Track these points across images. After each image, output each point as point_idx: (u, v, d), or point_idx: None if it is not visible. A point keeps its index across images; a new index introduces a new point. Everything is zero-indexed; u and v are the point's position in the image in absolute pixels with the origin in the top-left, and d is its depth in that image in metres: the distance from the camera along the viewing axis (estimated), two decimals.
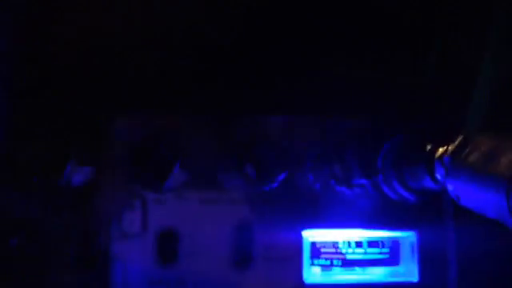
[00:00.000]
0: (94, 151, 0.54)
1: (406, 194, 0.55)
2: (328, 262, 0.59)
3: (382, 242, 0.60)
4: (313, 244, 0.59)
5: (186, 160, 0.54)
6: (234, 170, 0.56)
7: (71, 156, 0.52)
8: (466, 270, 0.60)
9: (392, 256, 0.60)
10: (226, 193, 0.58)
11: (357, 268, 0.60)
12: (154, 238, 0.57)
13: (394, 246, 0.60)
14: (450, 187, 0.47)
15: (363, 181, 0.55)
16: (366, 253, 0.60)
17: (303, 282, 0.58)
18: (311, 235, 0.59)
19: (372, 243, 0.60)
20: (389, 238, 0.60)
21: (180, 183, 0.55)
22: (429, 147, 0.51)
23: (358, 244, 0.60)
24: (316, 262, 0.59)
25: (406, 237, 0.60)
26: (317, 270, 0.59)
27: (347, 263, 0.60)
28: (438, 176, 0.50)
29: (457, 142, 0.47)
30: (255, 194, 0.58)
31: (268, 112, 0.57)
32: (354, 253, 0.60)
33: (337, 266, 0.60)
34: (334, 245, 0.60)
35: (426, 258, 0.60)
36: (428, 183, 0.52)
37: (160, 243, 0.56)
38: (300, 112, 0.58)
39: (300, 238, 0.58)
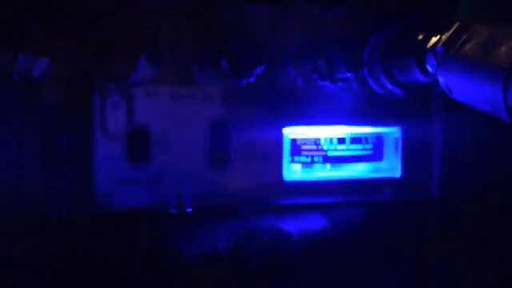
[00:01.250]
0: (50, 40, 0.50)
1: (392, 87, 0.55)
2: (309, 159, 0.58)
3: (366, 138, 0.58)
4: (293, 141, 0.57)
5: (155, 52, 0.51)
6: (208, 63, 0.53)
7: (24, 45, 0.47)
8: (450, 166, 0.58)
9: (375, 152, 0.59)
10: (201, 88, 0.55)
11: (338, 164, 0.58)
12: (124, 136, 0.54)
13: (378, 142, 0.59)
14: (441, 79, 0.46)
15: (348, 75, 0.53)
16: (348, 149, 0.58)
17: (283, 179, 0.57)
18: (292, 132, 0.57)
19: (355, 139, 0.58)
20: (372, 133, 0.58)
21: (149, 77, 0.52)
22: (420, 37, 0.50)
23: (341, 140, 0.58)
24: (296, 159, 0.58)
25: (390, 132, 0.59)
26: (297, 167, 0.58)
27: (329, 160, 0.58)
28: (429, 67, 0.49)
29: (452, 30, 0.47)
30: (232, 89, 0.55)
31: (248, 2, 0.53)
32: (335, 149, 0.58)
33: (318, 162, 0.58)
34: (316, 141, 0.58)
35: (411, 154, 0.59)
36: (417, 76, 0.51)
37: (130, 142, 0.54)
38: (283, 1, 0.55)
39: (280, 135, 0.56)
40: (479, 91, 0.42)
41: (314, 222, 0.56)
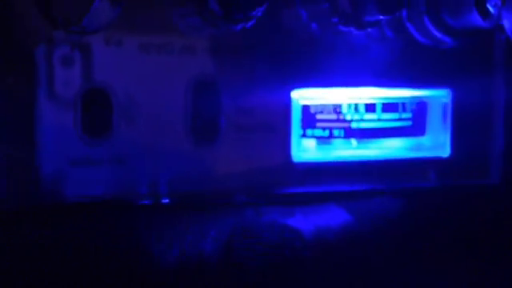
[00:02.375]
0: None
1: (441, 35, 0.50)
2: (326, 133, 0.51)
3: (403, 104, 0.52)
4: (305, 108, 0.50)
5: None
6: (191, 1, 0.45)
7: None
8: None
9: (416, 123, 0.52)
10: (181, 36, 0.47)
11: (366, 140, 0.51)
12: (77, 101, 0.46)
13: (419, 110, 0.52)
14: (506, 22, 0.44)
15: (379, 17, 0.47)
16: (379, 119, 0.51)
17: (291, 160, 0.49)
18: (303, 96, 0.50)
19: (388, 106, 0.52)
20: (412, 98, 0.52)
21: (109, 21, 0.45)
22: None
23: (369, 107, 0.51)
24: (310, 132, 0.50)
25: (435, 96, 0.52)
26: (311, 143, 0.51)
27: (353, 134, 0.51)
28: (491, 7, 0.47)
29: None
30: (223, 37, 0.48)
31: None
32: (362, 120, 0.51)
33: (338, 137, 0.51)
34: (335, 109, 0.51)
35: (463, 126, 0.53)
36: (475, 18, 0.47)
37: (85, 108, 0.46)
38: None
39: (288, 100, 0.49)
40: None
41: (333, 217, 0.49)
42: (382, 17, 0.46)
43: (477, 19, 0.46)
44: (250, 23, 0.45)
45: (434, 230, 0.49)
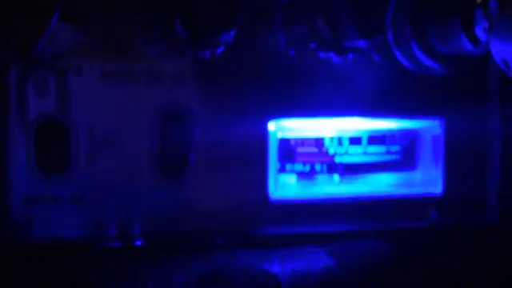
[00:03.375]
0: None
1: (429, 62, 0.48)
2: (307, 168, 0.49)
3: (391, 136, 0.51)
4: (284, 141, 0.49)
5: (77, 7, 0.43)
6: (156, 25, 0.44)
7: None
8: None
9: (405, 157, 0.51)
10: (146, 64, 0.46)
11: (351, 176, 0.50)
12: (32, 134, 0.44)
13: (409, 143, 0.51)
14: (495, 49, 0.42)
15: (360, 42, 0.46)
16: (365, 153, 0.50)
17: (268, 197, 0.48)
18: (282, 128, 0.49)
19: (375, 139, 0.51)
20: (401, 129, 0.51)
21: (68, 46, 0.43)
22: None
23: (355, 140, 0.50)
24: (289, 167, 0.49)
25: (426, 128, 0.51)
26: (290, 179, 0.49)
27: (337, 169, 0.50)
28: (479, 32, 0.46)
29: None
30: (192, 65, 0.46)
31: None
32: (346, 153, 0.50)
33: (321, 173, 0.50)
34: (318, 142, 0.50)
35: (456, 161, 0.51)
36: (464, 44, 0.46)
37: (41, 142, 0.45)
38: None
39: (264, 132, 0.48)
40: None
41: (314, 261, 0.47)
42: (362, 42, 0.45)
43: (466, 45, 0.45)
44: (219, 49, 0.44)
45: (426, 276, 0.48)
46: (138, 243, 0.46)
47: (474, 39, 0.44)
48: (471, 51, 0.45)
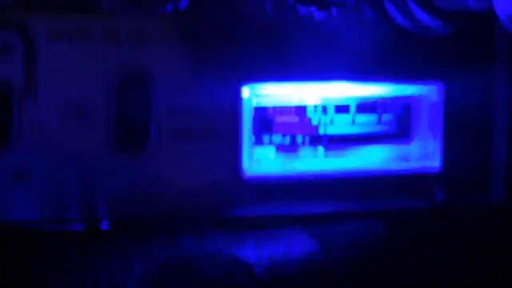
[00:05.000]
0: None
1: (426, 18, 0.47)
2: (287, 140, 0.47)
3: (384, 104, 0.49)
4: (260, 109, 0.47)
5: None
6: None
7: None
8: None
9: (400, 128, 0.49)
10: (100, 20, 0.43)
11: (337, 149, 0.48)
12: None
13: (404, 111, 0.49)
14: (499, 4, 0.41)
15: None
16: (354, 123, 0.48)
17: (242, 174, 0.46)
18: (257, 94, 0.46)
19: (365, 107, 0.48)
20: (394, 96, 0.49)
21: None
22: None
23: (341, 108, 0.48)
24: (267, 139, 0.47)
25: (423, 94, 0.49)
26: (267, 152, 0.47)
27: (321, 141, 0.48)
28: None
29: None
30: (153, 20, 0.44)
31: None
32: (333, 124, 0.48)
33: (303, 145, 0.47)
34: (298, 110, 0.47)
35: (456, 132, 0.49)
36: None
37: None
38: None
39: (237, 98, 0.46)
40: None
41: (293, 246, 0.45)
42: None
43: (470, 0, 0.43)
44: (183, 3, 0.41)
45: (420, 263, 0.46)
46: (92, 226, 0.44)
47: None
48: (472, 6, 0.43)
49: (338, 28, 0.46)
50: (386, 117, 0.48)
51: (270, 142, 0.46)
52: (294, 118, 0.47)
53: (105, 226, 0.43)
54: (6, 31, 0.42)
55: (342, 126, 0.47)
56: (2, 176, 0.42)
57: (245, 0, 0.44)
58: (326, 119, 0.47)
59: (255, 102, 0.46)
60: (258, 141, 0.46)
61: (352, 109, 0.48)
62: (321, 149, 0.47)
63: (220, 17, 0.44)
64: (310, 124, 0.47)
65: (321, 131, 0.47)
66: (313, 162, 0.47)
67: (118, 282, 0.41)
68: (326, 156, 0.47)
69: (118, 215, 0.44)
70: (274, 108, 0.46)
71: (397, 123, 0.49)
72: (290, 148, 0.47)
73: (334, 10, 0.44)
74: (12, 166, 0.42)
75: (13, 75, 0.42)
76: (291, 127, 0.47)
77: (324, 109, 0.47)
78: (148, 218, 0.44)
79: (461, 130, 0.49)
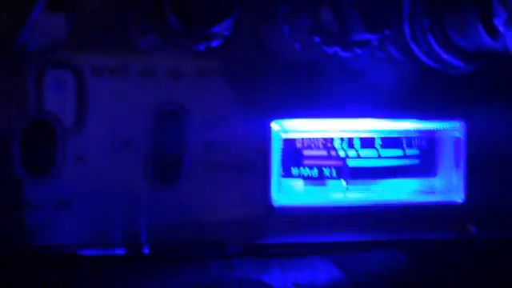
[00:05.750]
0: None
1: (449, 57, 0.48)
2: (315, 173, 0.49)
3: (409, 138, 0.51)
4: (289, 142, 0.49)
5: None
6: (149, 15, 0.44)
7: None
8: None
9: (424, 162, 0.51)
10: (139, 58, 0.46)
11: (363, 182, 0.50)
12: (15, 132, 0.45)
13: (428, 146, 0.51)
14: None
15: (369, 36, 0.45)
16: (380, 157, 0.50)
17: (271, 204, 0.48)
18: (286, 128, 0.48)
19: (390, 141, 0.50)
20: (419, 132, 0.51)
21: (55, 40, 0.44)
22: None
23: (367, 142, 0.50)
24: (295, 171, 0.49)
25: (446, 130, 0.51)
26: (296, 184, 0.49)
27: (348, 174, 0.50)
28: (499, 24, 0.45)
29: None
30: (188, 59, 0.47)
31: None
32: (359, 157, 0.50)
33: (330, 178, 0.49)
34: (327, 144, 0.49)
35: (479, 166, 0.51)
36: (481, 36, 0.45)
37: (24, 141, 0.45)
38: None
39: (267, 132, 0.48)
40: None
41: (318, 274, 0.47)
42: (369, 36, 0.44)
43: (484, 37, 0.44)
44: (216, 42, 0.44)
45: None
46: (128, 253, 0.46)
47: (492, 31, 0.44)
48: (490, 44, 0.44)
49: (364, 67, 0.48)
50: (410, 151, 0.50)
51: (299, 175, 0.49)
52: (322, 152, 0.49)
53: (146, 250, 0.46)
54: (51, 69, 0.45)
55: (367, 160, 0.49)
56: (45, 201, 0.45)
57: (275, 40, 0.47)
58: (352, 153, 0.49)
59: (284, 136, 0.48)
60: (287, 173, 0.48)
61: (377, 143, 0.49)
62: (345, 182, 0.49)
63: (252, 56, 0.47)
64: (338, 157, 0.49)
65: (348, 164, 0.49)
66: (339, 193, 0.49)
67: None
68: (351, 189, 0.49)
69: (155, 242, 0.46)
70: (302, 141, 0.48)
71: (421, 157, 0.50)
72: (317, 180, 0.49)
73: (358, 50, 0.46)
74: (54, 192, 0.45)
75: (58, 109, 0.44)
76: (319, 160, 0.49)
77: (350, 142, 0.49)
78: (180, 246, 0.47)
79: (483, 164, 0.50)
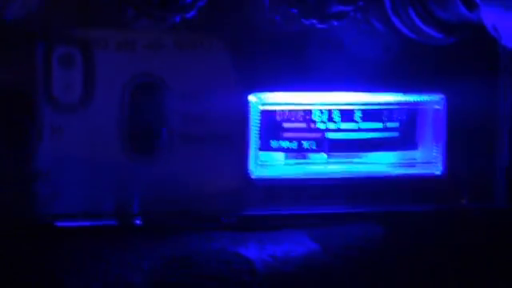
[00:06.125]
0: None
1: (429, 29, 0.48)
2: (294, 145, 0.49)
3: (389, 111, 0.50)
4: (267, 114, 0.49)
5: None
6: None
7: None
8: None
9: (404, 135, 0.51)
10: (116, 31, 0.46)
11: (342, 154, 0.50)
12: None
13: (408, 119, 0.51)
14: (485, 15, 0.42)
15: (343, 7, 0.46)
16: (359, 129, 0.50)
17: (249, 176, 0.48)
18: (265, 100, 0.48)
19: (370, 114, 0.50)
20: (399, 104, 0.50)
21: (29, 11, 0.44)
22: None
23: (347, 115, 0.50)
24: (274, 144, 0.49)
25: (427, 102, 0.50)
26: (275, 157, 0.49)
27: (327, 146, 0.50)
28: None
29: None
30: (164, 30, 0.47)
31: None
32: (339, 130, 0.50)
33: (309, 150, 0.49)
34: (306, 116, 0.49)
35: (459, 139, 0.51)
36: (459, 9, 0.46)
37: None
38: None
39: (245, 105, 0.48)
40: None
41: (296, 246, 0.47)
42: (344, 7, 0.44)
43: (460, 8, 0.44)
44: (190, 13, 0.44)
45: (420, 264, 0.47)
46: (104, 223, 0.46)
47: (469, 3, 0.44)
48: (468, 16, 0.44)
49: (343, 39, 0.48)
50: (391, 124, 0.50)
51: (279, 147, 0.49)
52: (301, 125, 0.49)
53: (115, 222, 0.46)
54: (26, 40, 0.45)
55: (347, 132, 0.49)
56: (27, 174, 0.45)
57: (254, 12, 0.47)
58: (332, 125, 0.49)
59: (262, 107, 0.48)
60: (267, 145, 0.48)
61: (357, 115, 0.49)
62: (324, 155, 0.49)
63: (229, 27, 0.47)
64: (317, 129, 0.49)
65: (327, 136, 0.49)
66: (318, 166, 0.49)
67: (127, 276, 0.44)
68: (330, 161, 0.49)
69: (127, 214, 0.46)
70: (282, 113, 0.48)
71: (401, 130, 0.50)
72: (296, 152, 0.49)
73: (335, 22, 0.46)
74: (35, 165, 0.45)
75: (34, 81, 0.44)
76: (298, 132, 0.49)
77: (330, 115, 0.49)
78: (157, 217, 0.47)
79: (463, 136, 0.50)
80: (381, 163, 0.49)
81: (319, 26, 0.46)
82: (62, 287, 0.43)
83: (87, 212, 0.46)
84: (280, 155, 0.49)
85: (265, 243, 0.46)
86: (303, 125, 0.48)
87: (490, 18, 0.41)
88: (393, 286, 0.46)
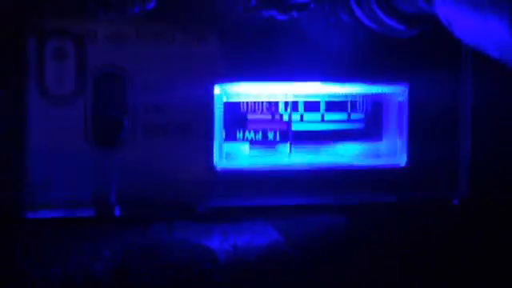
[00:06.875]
0: None
1: (391, 22, 0.48)
2: (259, 137, 0.50)
3: (353, 102, 0.51)
4: (232, 106, 0.50)
5: None
6: None
7: None
8: (488, 151, 0.52)
9: (368, 126, 0.52)
10: (77, 22, 0.46)
11: (306, 146, 0.51)
12: None
13: (373, 110, 0.52)
14: (439, 9, 0.42)
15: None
16: (324, 120, 0.51)
17: (213, 167, 0.49)
18: (229, 91, 0.49)
19: (335, 105, 0.51)
20: (364, 96, 0.51)
21: None
22: None
23: (311, 106, 0.51)
24: (239, 135, 0.50)
25: (391, 94, 0.51)
26: (239, 148, 0.50)
27: (291, 138, 0.51)
28: None
29: None
30: (128, 22, 0.47)
31: None
32: (303, 121, 0.50)
33: (274, 142, 0.50)
34: (270, 107, 0.50)
35: (422, 130, 0.52)
36: (418, 2, 0.45)
37: None
38: None
39: (210, 96, 0.49)
40: (481, 25, 0.37)
41: (258, 236, 0.48)
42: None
43: (420, 3, 0.44)
44: (150, 4, 0.44)
45: (383, 256, 0.48)
46: (61, 214, 0.47)
47: None
48: (426, 9, 0.44)
49: (308, 30, 0.49)
50: (355, 115, 0.51)
51: (243, 138, 0.49)
52: (266, 116, 0.49)
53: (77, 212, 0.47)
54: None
55: (311, 123, 0.50)
56: None
57: (218, 2, 0.47)
58: (296, 116, 0.50)
59: (226, 99, 0.48)
60: (231, 136, 0.49)
61: (322, 106, 0.50)
62: (289, 146, 0.50)
63: (193, 19, 0.47)
64: (281, 121, 0.50)
65: (291, 128, 0.50)
66: (282, 157, 0.50)
67: (88, 264, 0.45)
68: (295, 153, 0.50)
69: (89, 204, 0.47)
70: (246, 104, 0.49)
71: (365, 121, 0.51)
72: (261, 144, 0.50)
73: (295, 13, 0.47)
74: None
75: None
76: (263, 124, 0.49)
77: (295, 106, 0.50)
78: (122, 208, 0.47)
79: (427, 128, 0.50)
80: (345, 154, 0.50)
81: (279, 17, 0.46)
82: (20, 274, 0.44)
83: (50, 203, 0.47)
84: (245, 146, 0.49)
85: (228, 234, 0.47)
86: (268, 116, 0.49)
87: (443, 11, 0.40)
88: (355, 277, 0.47)
